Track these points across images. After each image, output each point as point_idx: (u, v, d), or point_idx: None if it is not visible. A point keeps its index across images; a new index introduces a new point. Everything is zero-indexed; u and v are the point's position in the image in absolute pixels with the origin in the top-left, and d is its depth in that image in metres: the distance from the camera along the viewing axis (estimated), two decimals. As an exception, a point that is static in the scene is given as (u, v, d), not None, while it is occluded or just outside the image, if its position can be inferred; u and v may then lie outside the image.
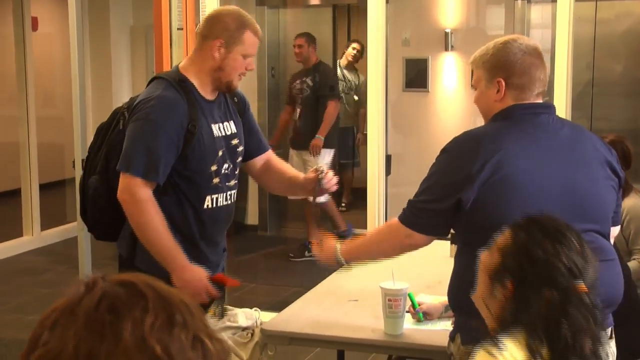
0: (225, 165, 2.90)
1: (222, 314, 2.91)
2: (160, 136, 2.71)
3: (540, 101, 2.51)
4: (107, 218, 2.87)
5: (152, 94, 2.78)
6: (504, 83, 2.43)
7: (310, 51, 7.05)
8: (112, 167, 2.80)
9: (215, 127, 2.87)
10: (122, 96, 8.20)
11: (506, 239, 1.85)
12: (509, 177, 2.32)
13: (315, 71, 6.96)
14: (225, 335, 3.19)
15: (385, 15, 4.54)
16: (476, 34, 7.11)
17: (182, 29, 4.76)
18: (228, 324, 3.27)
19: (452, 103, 7.04)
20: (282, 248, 7.49)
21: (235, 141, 2.95)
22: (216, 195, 2.88)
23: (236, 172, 3.00)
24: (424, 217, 2.45)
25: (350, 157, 8.56)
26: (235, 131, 2.97)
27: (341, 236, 2.81)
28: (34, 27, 7.56)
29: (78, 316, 0.91)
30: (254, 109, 7.71)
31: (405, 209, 2.51)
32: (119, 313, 0.90)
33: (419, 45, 7.00)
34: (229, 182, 2.94)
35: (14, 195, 7.54)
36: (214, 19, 2.86)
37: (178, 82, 2.82)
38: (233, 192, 2.97)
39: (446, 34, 6.85)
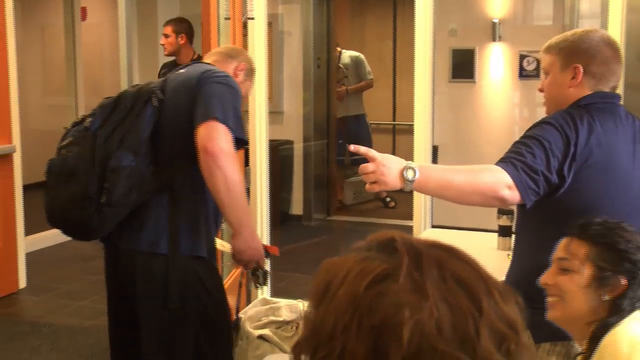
0: None
1: (264, 281, 2.84)
2: (239, 102, 2.70)
3: None
4: (127, 196, 2.62)
5: (221, 69, 2.80)
6: (581, 69, 2.37)
7: (180, 42, 5.91)
8: (143, 146, 2.65)
9: None
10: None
11: (588, 247, 1.86)
12: (607, 163, 2.27)
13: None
14: (270, 330, 3.20)
15: (432, 5, 4.50)
16: (524, 24, 7.04)
17: (229, 18, 4.77)
18: (272, 318, 3.28)
19: (499, 94, 6.98)
20: (326, 238, 7.50)
21: None
22: None
23: None
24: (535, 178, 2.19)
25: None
26: None
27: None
28: (83, 17, 7.65)
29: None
30: (299, 99, 7.81)
31: (510, 158, 2.21)
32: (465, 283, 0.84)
33: (465, 35, 6.94)
34: None
35: (63, 182, 7.64)
36: (239, 49, 3.10)
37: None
38: None
39: (494, 24, 6.79)
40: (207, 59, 3.04)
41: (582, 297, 1.84)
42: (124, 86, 5.21)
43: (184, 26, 5.74)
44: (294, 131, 7.84)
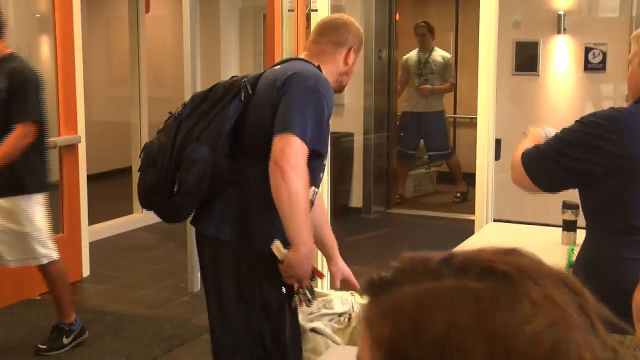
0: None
1: (309, 302, 2.77)
2: (325, 108, 2.67)
3: None
4: (200, 186, 2.71)
5: (311, 71, 2.74)
6: None
7: None
8: (222, 140, 2.70)
9: None
10: (230, 76, 8.32)
11: None
12: None
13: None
14: (322, 323, 3.19)
15: (497, -3, 4.45)
16: (590, 16, 6.91)
17: (292, 10, 4.78)
18: (324, 310, 3.26)
19: (563, 87, 6.87)
20: (386, 231, 7.48)
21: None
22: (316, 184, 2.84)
23: None
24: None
25: (444, 147, 8.35)
26: None
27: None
28: (147, 9, 7.74)
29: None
30: (359, 92, 7.79)
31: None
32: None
33: (529, 27, 6.85)
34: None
35: (126, 173, 7.77)
36: (347, 28, 2.91)
37: (318, 68, 2.83)
38: None
39: (559, 16, 6.68)
40: (310, 51, 2.92)
41: None
42: (187, 78, 5.25)
43: None
44: (354, 123, 7.82)
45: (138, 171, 2.89)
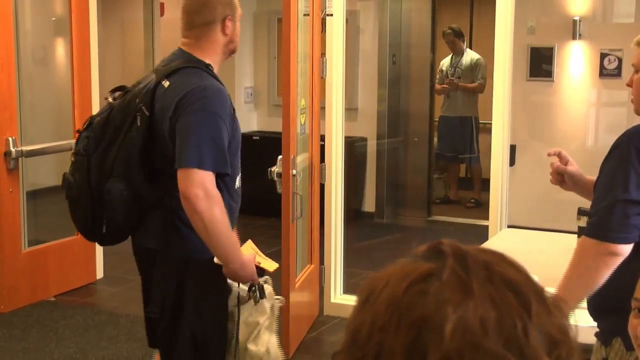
0: None
1: (262, 295, 2.91)
2: (222, 127, 2.69)
3: None
4: (130, 221, 2.83)
5: (198, 84, 2.72)
6: None
7: None
8: (134, 168, 2.76)
9: None
10: (243, 81, 8.35)
11: None
12: None
13: None
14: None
15: (514, 3, 4.44)
16: (606, 22, 6.89)
17: (308, 14, 4.78)
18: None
19: (578, 93, 6.85)
20: (398, 236, 7.47)
21: None
22: (239, 175, 2.92)
23: None
24: (627, 224, 2.18)
25: (468, 151, 8.32)
26: None
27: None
28: (161, 12, 7.78)
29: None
30: (374, 96, 7.78)
31: (593, 222, 2.25)
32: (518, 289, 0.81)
33: (544, 33, 6.83)
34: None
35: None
36: (209, 3, 2.85)
37: (206, 68, 2.82)
38: None
39: (574, 21, 6.66)
40: (189, 39, 2.89)
41: None
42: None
43: None
44: (367, 128, 7.82)
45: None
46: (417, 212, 8.14)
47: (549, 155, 2.50)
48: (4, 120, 5.11)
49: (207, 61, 2.84)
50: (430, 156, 8.24)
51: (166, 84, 2.76)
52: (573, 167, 2.58)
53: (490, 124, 4.75)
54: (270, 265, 2.99)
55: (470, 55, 8.15)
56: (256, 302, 2.90)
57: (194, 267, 2.82)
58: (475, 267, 0.81)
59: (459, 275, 0.80)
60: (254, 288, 2.87)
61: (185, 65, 2.80)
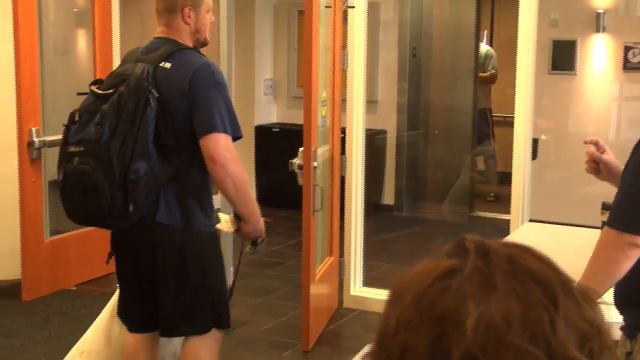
0: None
1: (262, 246, 3.24)
2: (230, 96, 3.03)
3: None
4: (150, 199, 2.96)
5: (201, 62, 2.99)
6: None
7: None
8: (150, 148, 2.91)
9: None
10: (263, 72, 8.34)
11: None
12: None
13: None
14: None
15: (537, -4, 4.41)
16: (630, 14, 6.83)
17: (329, 6, 4.77)
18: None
19: (601, 86, 6.80)
20: (418, 229, 7.46)
21: None
22: None
23: None
24: None
25: (487, 144, 8.26)
26: None
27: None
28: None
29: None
30: (394, 89, 7.74)
31: (614, 211, 2.24)
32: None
33: (567, 26, 6.78)
34: None
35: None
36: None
37: (195, 49, 3.09)
38: None
39: (598, 14, 6.61)
40: (167, 27, 3.09)
41: None
42: (224, 70, 5.25)
43: None
44: (387, 121, 7.80)
45: (61, 192, 3.00)
46: (458, 208, 7.98)
47: (585, 143, 2.46)
48: (27, 110, 5.14)
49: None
50: (472, 150, 8.09)
51: (167, 65, 2.98)
52: (609, 156, 2.56)
53: (511, 117, 4.73)
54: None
55: (484, 48, 8.13)
56: (256, 251, 3.27)
57: (204, 238, 3.07)
58: (498, 262, 0.80)
59: (481, 270, 0.79)
60: (259, 240, 3.18)
61: (179, 48, 3.04)
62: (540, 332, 0.76)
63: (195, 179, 3.04)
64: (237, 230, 3.16)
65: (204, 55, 3.08)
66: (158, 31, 3.12)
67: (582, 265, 3.22)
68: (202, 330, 3.14)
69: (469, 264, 0.80)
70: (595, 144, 2.55)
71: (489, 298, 0.77)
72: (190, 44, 3.10)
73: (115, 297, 3.44)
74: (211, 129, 2.91)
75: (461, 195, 7.86)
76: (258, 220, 3.11)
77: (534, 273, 0.80)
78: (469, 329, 0.74)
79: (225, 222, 3.17)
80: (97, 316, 4.92)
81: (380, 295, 5.14)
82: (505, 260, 0.80)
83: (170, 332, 3.21)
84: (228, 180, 2.94)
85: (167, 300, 3.08)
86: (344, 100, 5.11)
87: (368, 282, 5.35)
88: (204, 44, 3.16)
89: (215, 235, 3.17)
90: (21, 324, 4.84)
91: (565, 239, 3.45)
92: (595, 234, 3.42)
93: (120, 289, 3.31)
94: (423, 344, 0.76)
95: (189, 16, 3.07)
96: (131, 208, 2.91)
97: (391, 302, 0.84)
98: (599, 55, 6.74)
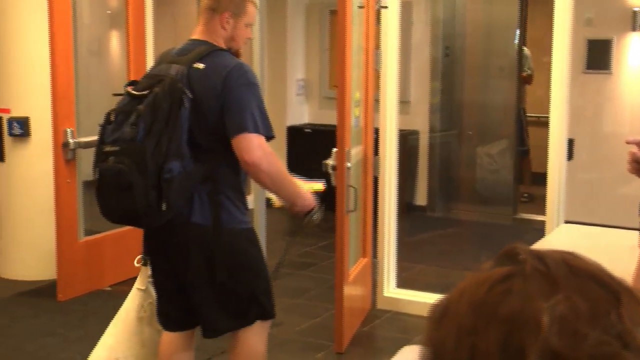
0: None
1: (315, 216, 3.23)
2: (262, 96, 3.06)
3: None
4: (185, 198, 3.00)
5: (234, 63, 3.02)
6: None
7: None
8: (184, 147, 2.94)
9: None
10: (295, 73, 8.35)
11: None
12: None
13: None
14: None
15: (573, -6, 4.36)
16: (666, 13, 6.74)
17: (362, 7, 4.76)
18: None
19: (637, 86, 6.71)
20: (450, 231, 7.42)
21: None
22: None
23: None
24: None
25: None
26: None
27: None
28: (215, 5, 7.80)
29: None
30: (426, 89, 7.70)
31: None
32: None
33: (603, 25, 6.71)
34: None
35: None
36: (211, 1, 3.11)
37: (227, 50, 3.10)
38: None
39: (634, 12, 6.53)
40: (204, 27, 3.12)
41: None
42: (257, 71, 5.26)
43: None
44: (419, 121, 7.76)
45: (97, 191, 3.05)
46: (501, 210, 7.88)
47: (627, 143, 2.41)
48: (62, 111, 5.19)
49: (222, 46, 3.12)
50: (522, 150, 7.93)
51: (200, 66, 3.01)
52: None
53: (546, 117, 4.68)
54: (314, 185, 3.35)
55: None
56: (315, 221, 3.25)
57: (240, 235, 3.10)
58: (555, 264, 0.81)
59: (541, 271, 0.80)
60: (313, 211, 3.20)
61: (213, 49, 3.07)
62: (610, 325, 0.76)
63: (229, 178, 3.06)
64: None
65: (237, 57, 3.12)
66: (195, 31, 3.14)
67: (622, 267, 3.17)
68: (244, 324, 3.17)
69: (527, 266, 0.80)
70: (638, 144, 2.51)
71: (556, 295, 0.77)
72: (224, 47, 3.12)
73: (130, 299, 3.45)
74: (242, 129, 2.94)
75: (502, 197, 7.80)
76: (304, 199, 3.17)
77: (593, 273, 0.81)
78: (544, 324, 0.75)
79: (276, 199, 3.30)
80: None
81: (414, 296, 5.12)
82: (562, 263, 0.81)
83: (213, 333, 3.22)
84: (263, 177, 3.01)
85: (205, 299, 3.09)
86: (377, 101, 5.09)
87: (401, 283, 5.33)
88: (237, 55, 3.16)
89: (253, 230, 3.21)
90: (57, 324, 4.89)
91: (603, 241, 3.40)
92: (634, 235, 3.38)
93: (155, 289, 3.32)
94: (493, 345, 0.77)
95: (227, 22, 3.08)
96: (164, 207, 2.93)
97: (439, 321, 0.84)
98: (635, 54, 6.66)
